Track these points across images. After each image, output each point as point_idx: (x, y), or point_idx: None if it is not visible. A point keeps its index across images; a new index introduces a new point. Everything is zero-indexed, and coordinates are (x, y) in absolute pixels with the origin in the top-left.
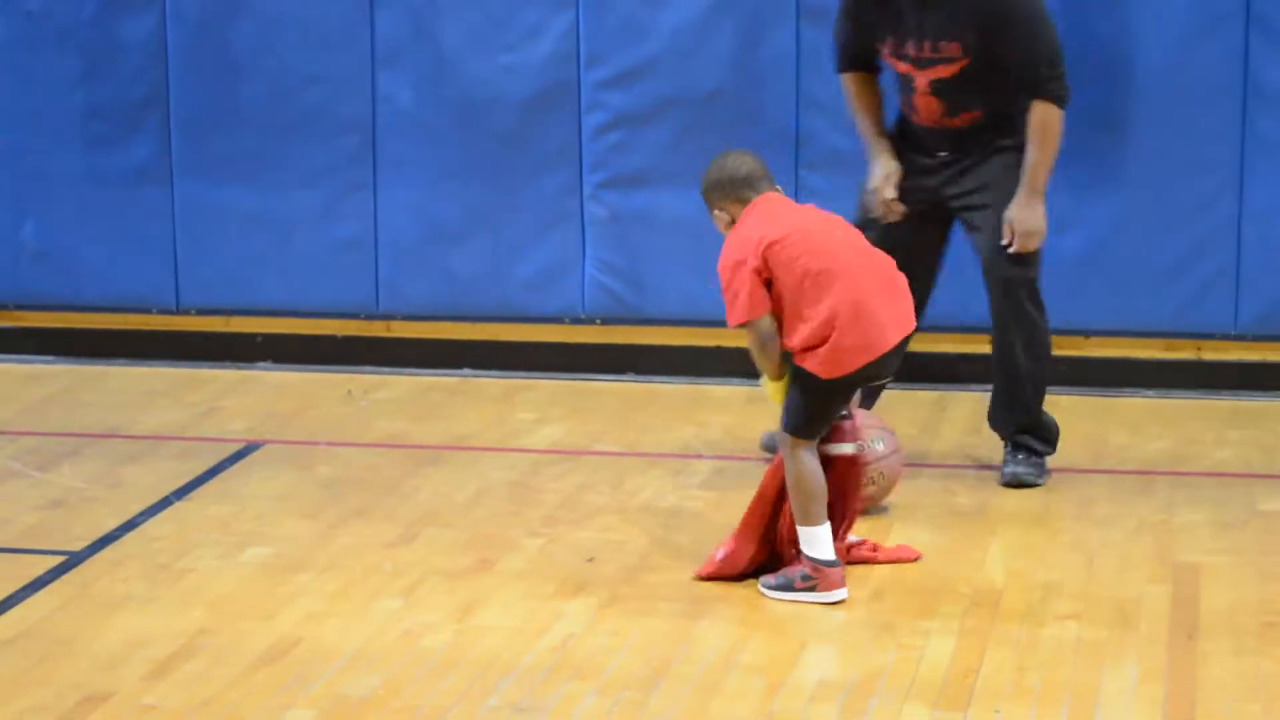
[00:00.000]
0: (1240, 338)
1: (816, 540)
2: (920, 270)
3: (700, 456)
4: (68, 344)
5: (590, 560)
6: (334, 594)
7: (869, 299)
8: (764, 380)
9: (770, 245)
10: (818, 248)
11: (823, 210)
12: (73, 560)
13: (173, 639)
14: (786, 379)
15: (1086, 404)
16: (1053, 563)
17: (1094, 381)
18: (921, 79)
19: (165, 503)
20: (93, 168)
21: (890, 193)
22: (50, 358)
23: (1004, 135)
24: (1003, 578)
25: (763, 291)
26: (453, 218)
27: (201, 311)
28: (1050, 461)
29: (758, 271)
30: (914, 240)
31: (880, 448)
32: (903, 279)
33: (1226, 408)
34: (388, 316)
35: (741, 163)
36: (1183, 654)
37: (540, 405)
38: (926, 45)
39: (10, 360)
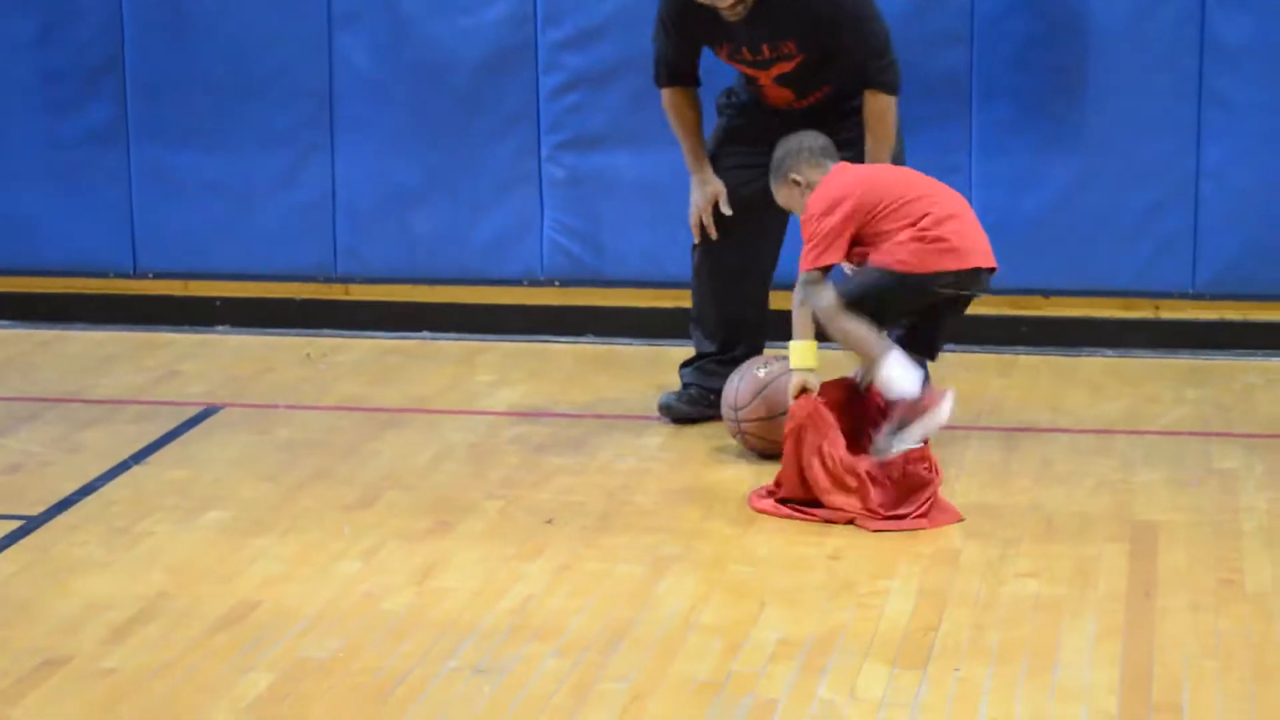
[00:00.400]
0: (1198, 297)
1: (894, 376)
2: (771, 226)
3: (659, 418)
4: (25, 308)
5: (549, 522)
6: (293, 557)
7: (961, 216)
8: (792, 344)
9: (866, 189)
10: (906, 182)
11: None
12: (31, 525)
13: (132, 603)
14: (814, 344)
15: (1045, 364)
16: (1012, 521)
17: (1052, 341)
18: (765, 76)
19: (124, 466)
20: (49, 132)
21: (726, 210)
22: (7, 322)
23: (855, 97)
24: (961, 537)
25: (844, 241)
26: (411, 180)
27: (159, 275)
28: (1009, 420)
29: (851, 216)
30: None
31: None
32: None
33: (1184, 366)
34: (346, 280)
35: (817, 136)
36: (1141, 612)
37: (499, 367)
38: (765, 48)
39: None
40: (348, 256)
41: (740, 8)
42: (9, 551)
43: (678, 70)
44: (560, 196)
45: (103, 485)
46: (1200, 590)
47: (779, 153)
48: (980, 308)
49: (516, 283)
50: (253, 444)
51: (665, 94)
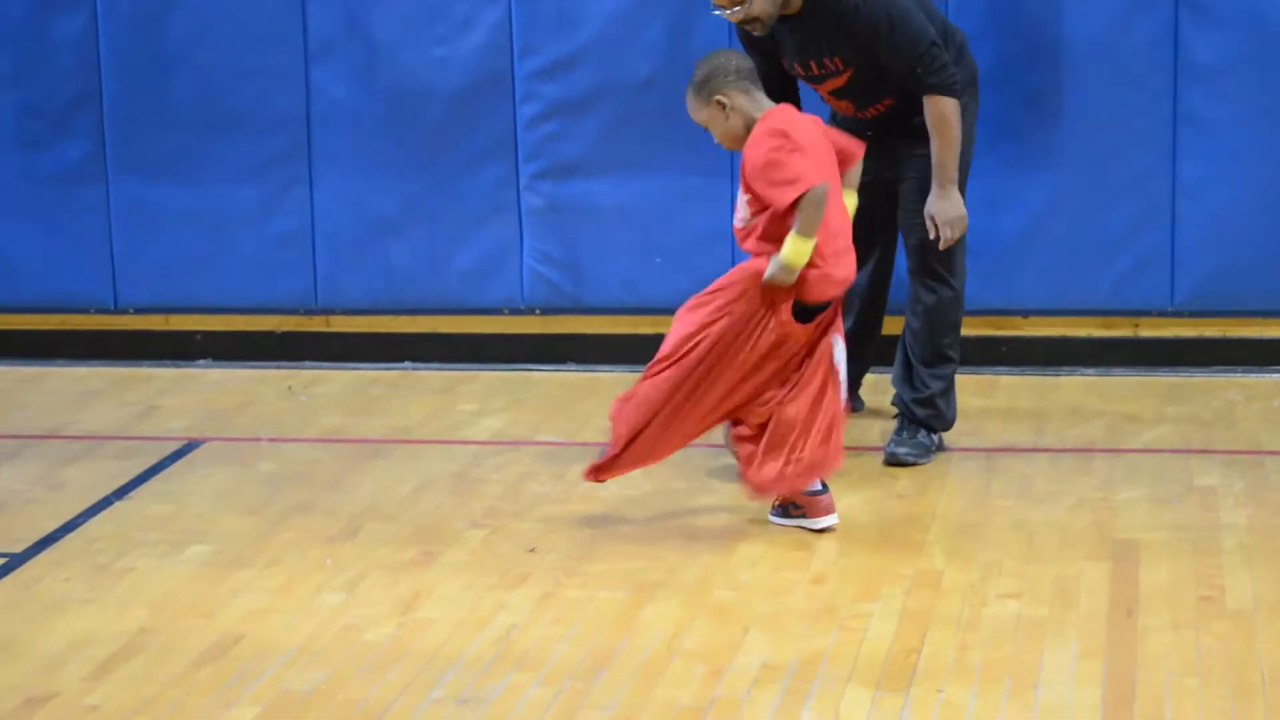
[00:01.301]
0: (1176, 314)
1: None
2: (882, 244)
3: None
4: (5, 346)
5: (532, 550)
6: (276, 590)
7: (840, 237)
8: (794, 243)
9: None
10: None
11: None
12: (13, 562)
13: (115, 639)
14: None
15: (1025, 383)
16: (993, 542)
17: (1032, 361)
18: (821, 90)
19: (106, 503)
20: (27, 168)
21: None
22: None
23: (919, 112)
24: (943, 558)
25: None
26: (389, 211)
27: (140, 310)
28: (990, 440)
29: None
30: (870, 215)
31: None
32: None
33: (1164, 384)
34: (327, 311)
35: (742, 58)
36: (1122, 630)
37: (481, 397)
38: (812, 64)
39: None
40: (328, 288)
41: (758, 25)
42: None
43: (765, 78)
44: (539, 225)
45: (85, 522)
46: (1181, 608)
47: (703, 70)
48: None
49: (497, 312)
50: (235, 478)
51: None
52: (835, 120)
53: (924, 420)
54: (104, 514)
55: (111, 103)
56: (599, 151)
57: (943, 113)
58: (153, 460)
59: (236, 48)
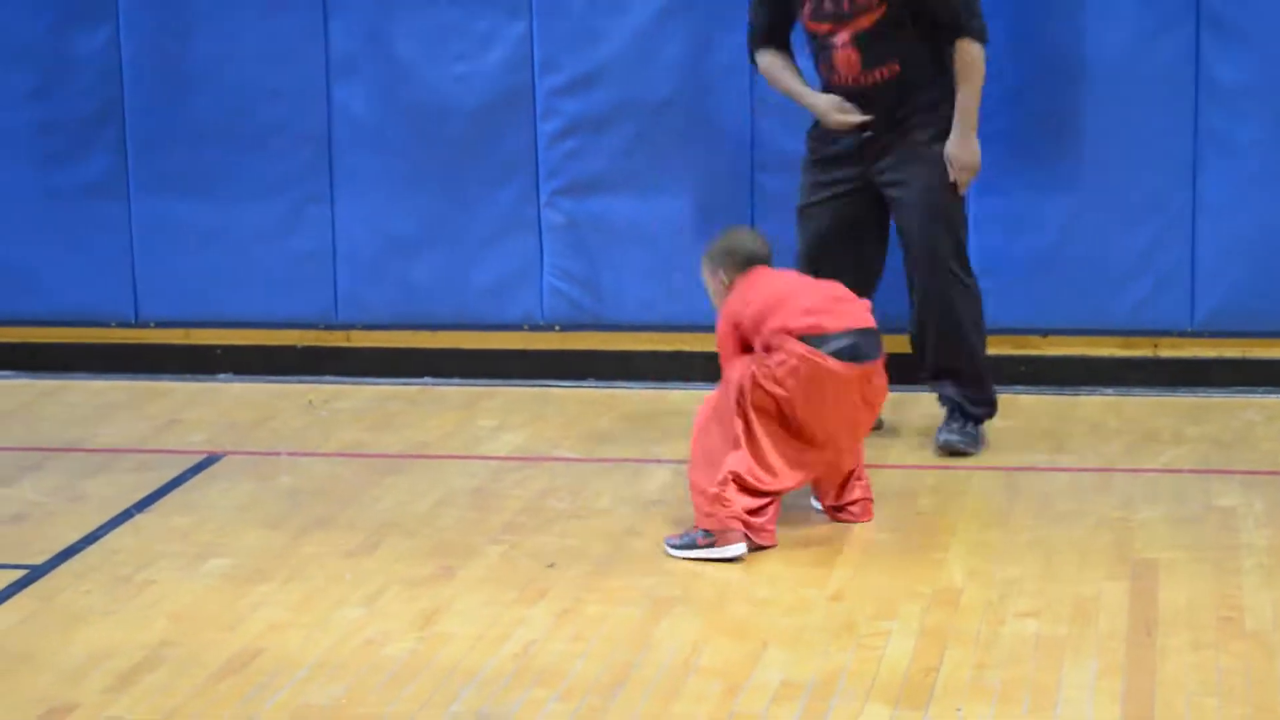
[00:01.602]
0: (1196, 334)
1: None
2: (867, 251)
3: (659, 461)
4: (28, 358)
5: (551, 566)
6: (296, 604)
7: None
8: None
9: (756, 314)
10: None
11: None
12: (35, 574)
13: (135, 651)
14: None
15: (1045, 403)
16: (1012, 561)
17: (1052, 381)
18: (843, 33)
19: (126, 515)
20: (49, 183)
21: (849, 107)
22: (10, 373)
23: (915, 103)
24: (962, 576)
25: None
26: (410, 227)
27: (161, 324)
28: (1010, 460)
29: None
30: (853, 223)
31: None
32: (865, 311)
33: (1184, 404)
34: (347, 326)
35: (754, 242)
36: (1141, 650)
37: (500, 412)
38: (845, 1)
39: None
40: (348, 303)
41: None
42: (13, 601)
43: (772, 33)
44: (559, 241)
45: (106, 534)
46: (1201, 628)
47: (719, 245)
48: None
49: (517, 328)
50: (255, 491)
51: (761, 58)
52: (830, 91)
53: (977, 416)
54: (124, 526)
55: (134, 118)
56: (619, 168)
57: (975, 57)
58: (173, 473)
59: (258, 64)
